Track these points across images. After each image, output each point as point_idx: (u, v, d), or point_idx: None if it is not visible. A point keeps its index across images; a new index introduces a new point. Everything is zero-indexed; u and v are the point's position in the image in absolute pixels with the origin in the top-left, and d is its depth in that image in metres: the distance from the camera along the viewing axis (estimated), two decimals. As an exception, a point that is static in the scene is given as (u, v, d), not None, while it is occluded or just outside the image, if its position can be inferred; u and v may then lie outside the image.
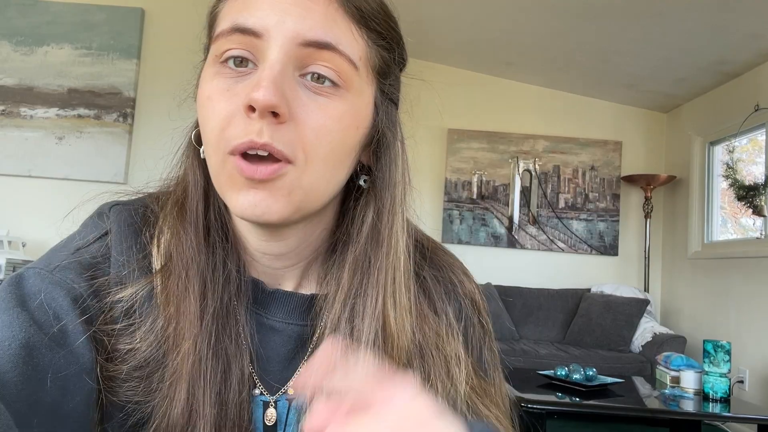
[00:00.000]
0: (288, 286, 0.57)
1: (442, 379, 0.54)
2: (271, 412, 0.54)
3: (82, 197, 0.59)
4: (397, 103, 0.57)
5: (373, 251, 0.53)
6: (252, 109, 0.45)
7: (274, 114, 0.45)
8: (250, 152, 0.46)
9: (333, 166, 0.50)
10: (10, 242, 3.36)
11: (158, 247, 0.52)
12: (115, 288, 0.50)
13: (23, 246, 3.46)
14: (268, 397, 0.54)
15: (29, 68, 3.92)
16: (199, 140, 0.54)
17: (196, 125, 0.55)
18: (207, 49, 0.54)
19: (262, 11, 0.47)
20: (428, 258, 0.60)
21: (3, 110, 3.87)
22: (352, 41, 0.49)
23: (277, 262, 0.56)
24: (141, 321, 0.50)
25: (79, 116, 3.91)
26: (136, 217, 0.54)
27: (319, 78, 0.48)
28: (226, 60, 0.48)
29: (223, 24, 0.49)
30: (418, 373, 0.53)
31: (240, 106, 0.46)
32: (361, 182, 0.55)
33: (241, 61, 0.48)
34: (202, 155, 0.53)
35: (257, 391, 0.54)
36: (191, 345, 0.49)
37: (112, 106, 3.93)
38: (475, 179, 4.54)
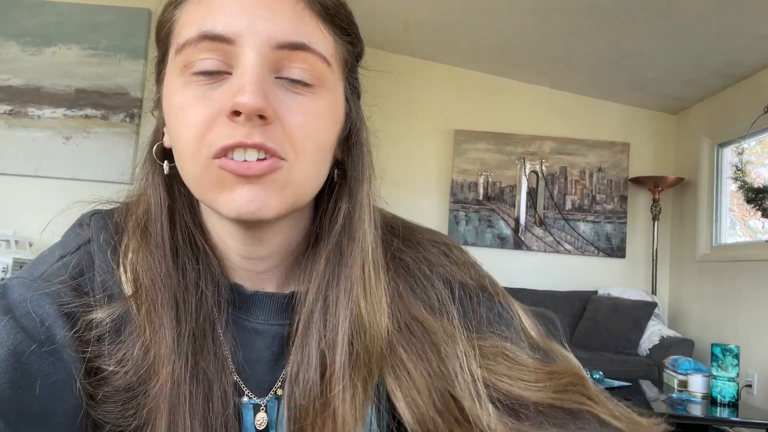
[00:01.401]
0: (270, 289, 0.57)
1: (435, 362, 0.53)
2: (261, 417, 0.53)
3: (73, 202, 0.58)
4: (360, 95, 0.57)
5: (346, 243, 0.53)
6: (236, 113, 0.44)
7: (260, 117, 0.45)
8: (237, 157, 0.45)
9: (319, 161, 0.50)
10: (17, 242, 3.37)
11: (125, 271, 0.51)
12: (99, 297, 0.50)
13: (30, 246, 3.48)
14: (258, 401, 0.54)
15: (37, 68, 3.93)
16: (161, 156, 0.53)
17: (154, 141, 0.55)
18: (162, 59, 0.52)
19: (229, 16, 0.46)
20: (402, 238, 0.59)
21: (11, 110, 3.89)
22: (322, 39, 0.49)
23: (259, 266, 0.55)
24: (118, 346, 0.49)
25: (87, 116, 3.92)
26: (115, 227, 0.54)
27: (295, 79, 0.48)
28: (196, 71, 0.47)
29: (188, 32, 0.47)
30: (405, 357, 0.52)
31: (220, 112, 0.46)
32: (335, 176, 0.55)
33: (209, 71, 0.47)
34: (165, 171, 0.53)
35: (245, 399, 0.53)
36: (169, 371, 0.47)
37: (119, 107, 3.94)
38: (481, 180, 4.53)
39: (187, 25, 0.48)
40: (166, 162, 0.53)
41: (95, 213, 0.56)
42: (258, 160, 0.46)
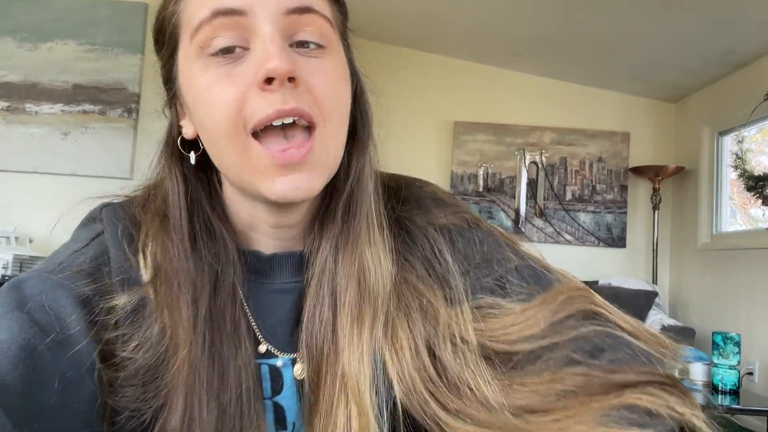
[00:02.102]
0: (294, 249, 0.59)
1: (423, 326, 0.54)
2: (299, 367, 0.55)
3: (78, 199, 0.59)
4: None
5: (357, 195, 0.56)
6: (268, 81, 0.47)
7: (290, 80, 0.47)
8: (275, 123, 0.48)
9: (343, 121, 0.53)
10: (17, 238, 3.37)
11: (144, 257, 0.53)
12: (116, 285, 0.50)
13: (30, 242, 3.47)
14: (293, 356, 0.55)
15: (34, 64, 3.91)
16: (184, 146, 0.56)
17: (169, 136, 0.57)
18: (171, 54, 0.54)
19: None
20: (395, 194, 0.62)
21: (8, 106, 3.88)
22: (322, 3, 0.52)
23: (288, 233, 0.57)
24: (137, 329, 0.50)
25: (84, 112, 3.91)
26: (127, 217, 0.55)
27: (306, 42, 0.50)
28: (216, 52, 0.49)
29: (200, 13, 0.49)
30: (397, 323, 0.54)
31: (250, 85, 0.47)
32: None
33: (228, 49, 0.49)
34: (192, 161, 0.55)
35: (280, 363, 0.55)
36: (186, 354, 0.48)
37: (117, 102, 3.93)
38: (481, 172, 4.52)
39: (198, 9, 0.49)
40: (192, 153, 0.55)
41: (105, 206, 0.57)
42: (292, 125, 0.48)
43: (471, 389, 0.51)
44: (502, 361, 0.53)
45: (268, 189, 0.49)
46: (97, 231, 0.54)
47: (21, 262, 3.16)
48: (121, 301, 0.50)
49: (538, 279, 0.59)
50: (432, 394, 0.51)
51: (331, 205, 0.57)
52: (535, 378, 0.51)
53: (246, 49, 0.49)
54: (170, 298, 0.50)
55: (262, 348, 0.55)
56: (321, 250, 0.56)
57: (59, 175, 3.84)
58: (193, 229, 0.54)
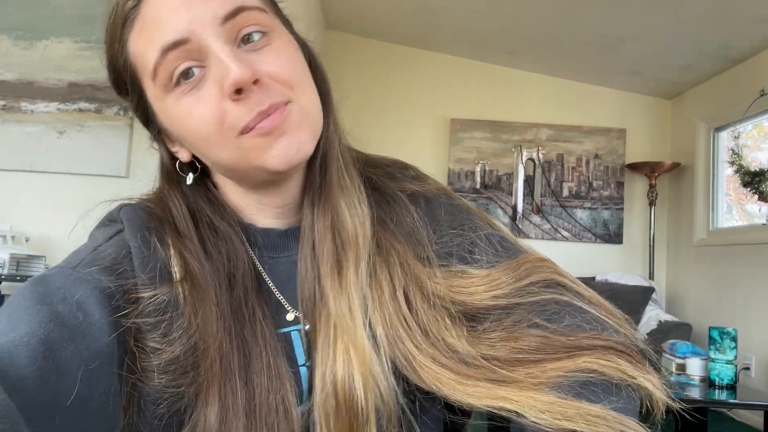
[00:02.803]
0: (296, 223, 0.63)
1: (399, 268, 0.58)
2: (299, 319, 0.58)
3: (85, 199, 0.62)
4: (292, 24, 0.63)
5: (328, 151, 0.60)
6: (238, 91, 0.50)
7: (254, 83, 0.50)
8: (261, 124, 0.51)
9: (310, 86, 0.56)
10: (13, 237, 3.36)
11: (176, 254, 0.55)
12: (141, 280, 0.52)
13: (27, 241, 3.46)
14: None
15: (29, 63, 3.90)
16: (183, 169, 0.60)
17: (163, 167, 0.61)
18: (140, 99, 0.57)
19: (171, 22, 0.51)
20: (371, 164, 0.66)
21: (3, 105, 3.86)
22: None
23: (292, 212, 0.61)
24: (167, 322, 0.52)
25: (80, 110, 3.90)
26: (145, 216, 0.57)
27: (249, 35, 0.53)
28: (178, 81, 0.51)
29: (150, 56, 0.52)
30: (378, 257, 0.58)
31: (221, 100, 0.50)
32: None
33: (187, 73, 0.51)
34: (189, 181, 0.59)
35: (308, 326, 0.57)
36: (217, 348, 0.51)
37: (113, 100, 3.91)
38: (478, 169, 4.52)
39: (147, 52, 0.52)
40: (190, 174, 0.59)
41: (123, 206, 0.59)
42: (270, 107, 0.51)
43: (436, 334, 0.55)
44: (463, 319, 0.57)
45: (271, 159, 0.52)
46: (116, 229, 0.56)
47: (18, 261, 3.15)
48: (149, 293, 0.52)
49: (506, 248, 0.63)
50: (406, 333, 0.55)
51: (312, 167, 0.61)
52: (492, 334, 0.55)
53: (203, 66, 0.51)
54: (198, 296, 0.53)
55: (290, 316, 0.58)
56: (305, 209, 0.60)
57: (55, 173, 3.83)
58: (201, 234, 0.57)
